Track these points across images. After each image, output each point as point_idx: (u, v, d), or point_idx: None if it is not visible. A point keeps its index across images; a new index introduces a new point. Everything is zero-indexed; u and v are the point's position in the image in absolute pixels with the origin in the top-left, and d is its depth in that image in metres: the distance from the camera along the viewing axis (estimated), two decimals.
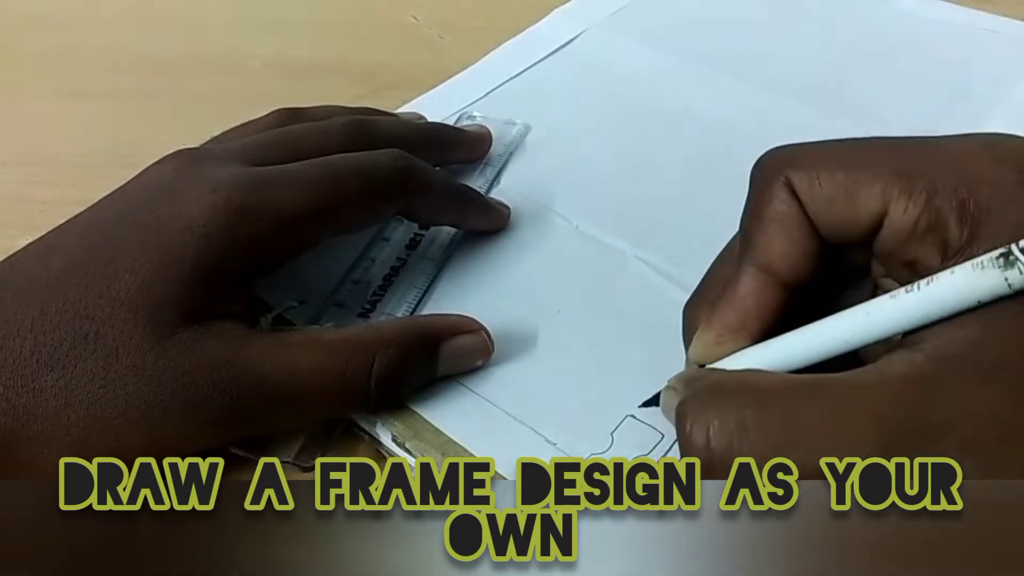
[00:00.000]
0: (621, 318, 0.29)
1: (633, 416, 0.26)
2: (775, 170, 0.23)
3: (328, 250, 0.30)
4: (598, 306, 0.30)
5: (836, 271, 0.23)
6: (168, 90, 0.42)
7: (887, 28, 0.43)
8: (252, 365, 0.24)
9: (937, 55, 0.41)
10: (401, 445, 0.25)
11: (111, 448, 0.22)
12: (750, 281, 0.23)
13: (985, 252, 0.19)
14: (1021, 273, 0.18)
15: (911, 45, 0.42)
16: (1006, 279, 0.18)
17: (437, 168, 0.31)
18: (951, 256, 0.20)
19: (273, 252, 0.26)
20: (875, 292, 0.23)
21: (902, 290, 0.20)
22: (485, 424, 0.26)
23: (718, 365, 0.23)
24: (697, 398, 0.21)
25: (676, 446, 0.25)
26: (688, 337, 0.24)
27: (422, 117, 0.36)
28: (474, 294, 0.30)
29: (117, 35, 0.46)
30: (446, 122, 0.37)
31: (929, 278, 0.19)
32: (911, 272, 0.21)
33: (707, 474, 0.20)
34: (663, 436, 0.25)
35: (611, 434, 0.26)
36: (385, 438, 0.26)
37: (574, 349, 0.28)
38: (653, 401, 0.25)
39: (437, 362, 0.26)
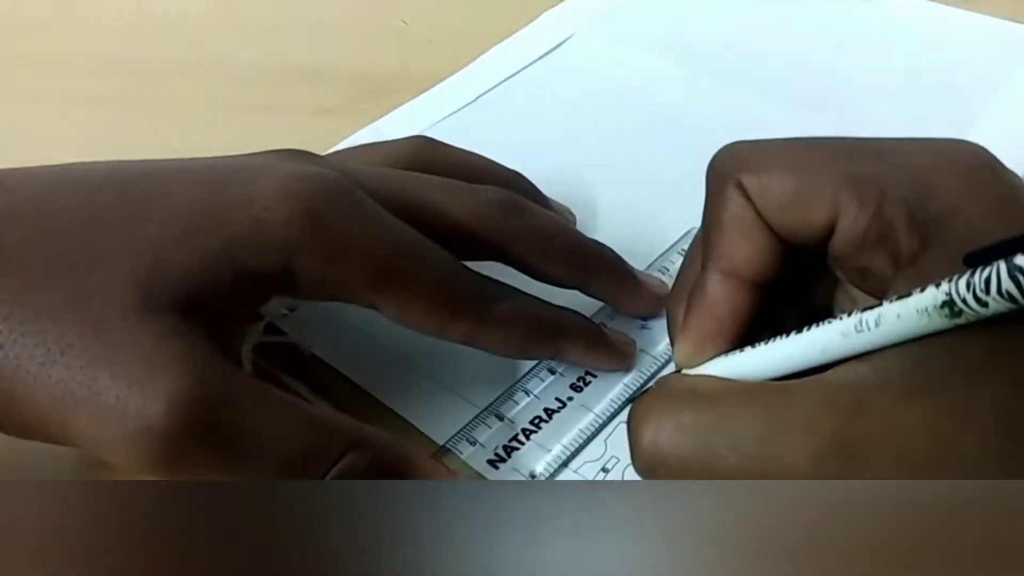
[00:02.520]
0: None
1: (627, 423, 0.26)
2: (728, 173, 0.22)
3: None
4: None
5: (804, 264, 0.23)
6: (156, 95, 0.41)
7: (877, 29, 0.44)
8: (220, 397, 0.20)
9: (927, 56, 0.41)
10: None
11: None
12: (718, 288, 0.22)
13: (936, 266, 0.18)
14: (968, 320, 0.17)
15: (901, 46, 0.42)
16: (953, 323, 0.18)
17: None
18: (903, 265, 0.20)
19: (311, 280, 0.23)
20: (839, 287, 0.23)
21: (852, 328, 0.19)
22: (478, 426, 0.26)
23: (693, 372, 0.23)
24: (647, 402, 0.21)
25: None
26: (671, 335, 0.25)
27: (574, 217, 0.32)
28: None
29: (104, 41, 0.45)
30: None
31: (877, 317, 0.19)
32: (864, 278, 0.21)
33: (650, 473, 0.20)
34: None
35: (605, 441, 0.25)
36: None
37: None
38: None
39: None
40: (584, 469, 0.25)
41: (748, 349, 0.22)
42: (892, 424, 0.18)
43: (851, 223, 0.20)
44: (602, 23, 0.45)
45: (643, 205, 0.34)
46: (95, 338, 0.20)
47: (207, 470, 0.21)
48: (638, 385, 0.27)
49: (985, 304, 0.17)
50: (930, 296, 0.18)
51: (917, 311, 0.18)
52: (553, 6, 0.46)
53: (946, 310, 0.18)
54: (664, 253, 0.31)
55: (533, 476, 0.25)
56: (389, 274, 0.23)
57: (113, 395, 0.20)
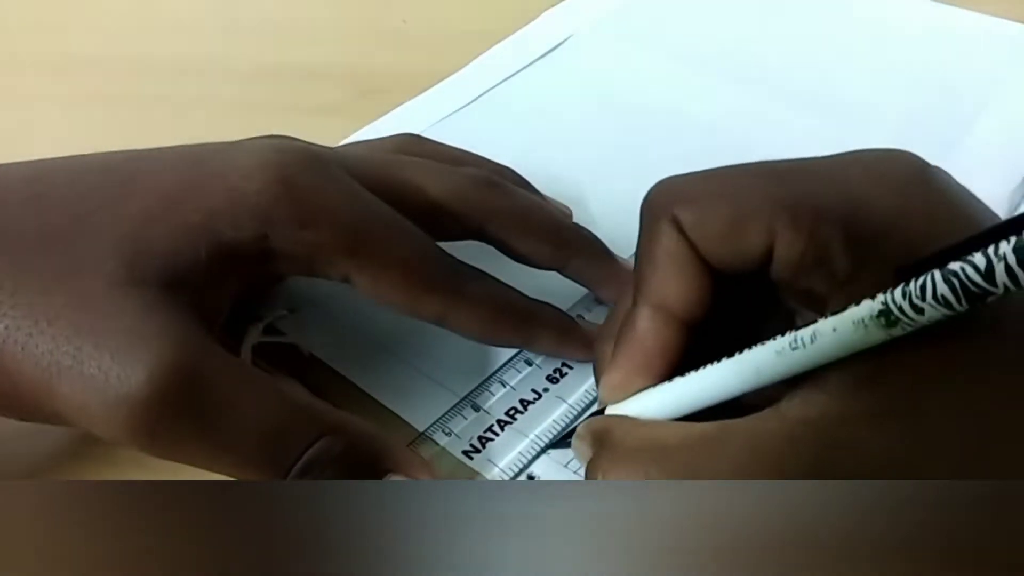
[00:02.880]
0: (595, 314, 0.29)
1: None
2: (662, 207, 0.22)
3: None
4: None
5: (739, 296, 0.22)
6: (156, 95, 0.41)
7: (877, 29, 0.44)
8: (199, 370, 0.21)
9: (927, 56, 0.41)
10: None
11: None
12: (647, 323, 0.22)
13: (871, 284, 0.18)
14: (904, 330, 0.17)
15: (901, 46, 0.42)
16: (890, 335, 0.18)
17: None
18: (840, 286, 0.20)
19: (286, 250, 0.23)
20: (780, 309, 0.23)
21: (787, 346, 0.19)
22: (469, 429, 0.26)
23: (620, 407, 0.22)
24: (605, 455, 0.21)
25: None
26: (597, 373, 0.24)
27: (569, 212, 0.32)
28: None
29: (104, 41, 0.45)
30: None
31: (812, 333, 0.19)
32: (806, 301, 0.21)
33: None
34: None
35: None
36: None
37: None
38: (563, 443, 0.25)
39: None
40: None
41: (678, 379, 0.21)
42: (862, 454, 0.18)
43: (787, 248, 0.20)
44: (602, 23, 0.44)
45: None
46: (81, 309, 0.20)
47: (184, 443, 0.21)
48: None
49: (921, 311, 0.17)
50: (866, 307, 0.18)
51: (853, 323, 0.18)
52: (553, 6, 0.46)
53: (882, 319, 0.17)
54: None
55: (531, 477, 0.25)
56: (362, 242, 0.24)
57: (95, 364, 0.20)
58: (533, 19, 0.45)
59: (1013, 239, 0.15)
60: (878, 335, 0.18)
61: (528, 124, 0.38)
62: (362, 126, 0.38)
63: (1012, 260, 0.15)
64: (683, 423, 0.21)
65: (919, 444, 0.18)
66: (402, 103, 0.39)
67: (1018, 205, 0.32)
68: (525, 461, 0.25)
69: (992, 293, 0.16)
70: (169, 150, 0.25)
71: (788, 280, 0.21)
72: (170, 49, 0.44)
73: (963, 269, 0.16)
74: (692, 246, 0.21)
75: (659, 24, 0.45)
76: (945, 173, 0.21)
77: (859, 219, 0.20)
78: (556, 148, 0.37)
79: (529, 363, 0.27)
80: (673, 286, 0.22)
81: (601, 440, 0.22)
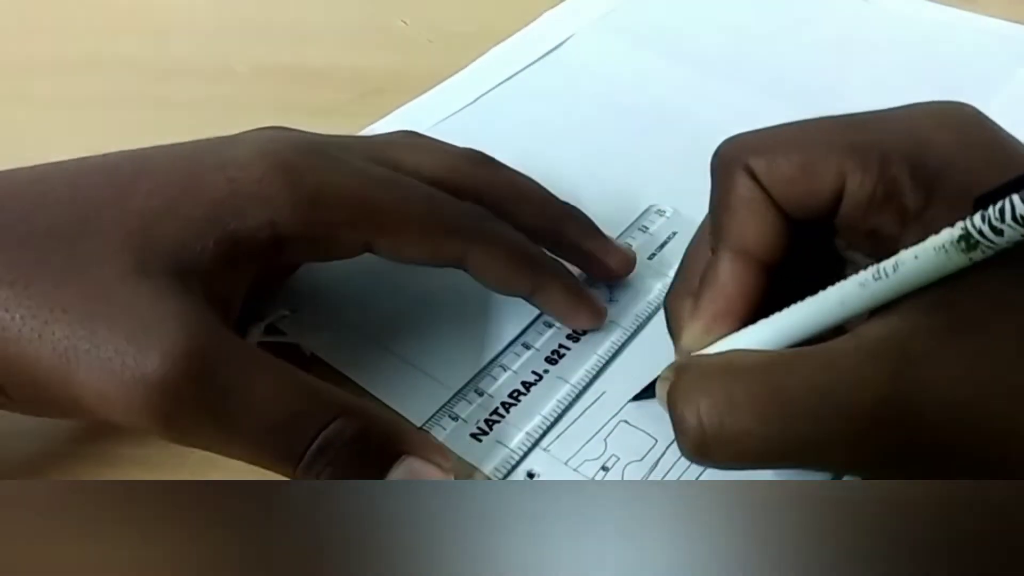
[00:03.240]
0: (613, 324, 0.29)
1: (626, 421, 0.26)
2: (734, 159, 0.23)
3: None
4: None
5: (806, 250, 0.23)
6: (156, 95, 0.41)
7: (875, 29, 0.44)
8: (213, 353, 0.21)
9: (925, 56, 0.41)
10: None
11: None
12: (728, 267, 0.23)
13: (942, 215, 0.19)
14: (984, 254, 0.18)
15: (899, 46, 0.42)
16: (970, 259, 0.19)
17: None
18: (910, 221, 0.21)
19: (298, 233, 0.24)
20: (842, 265, 0.24)
21: (870, 277, 0.20)
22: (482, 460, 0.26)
23: (705, 352, 0.23)
24: (686, 382, 0.21)
25: (669, 450, 0.25)
26: (674, 328, 0.25)
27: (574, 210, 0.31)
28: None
29: (104, 41, 0.45)
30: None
31: (895, 263, 0.20)
32: (872, 241, 0.22)
33: (701, 454, 0.20)
34: (656, 441, 0.25)
35: (605, 440, 0.25)
36: None
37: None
38: (645, 394, 0.25)
39: (388, 471, 0.22)
40: (584, 468, 0.25)
41: (761, 321, 0.22)
42: (935, 367, 0.19)
43: (857, 187, 0.21)
44: (602, 23, 0.45)
45: (642, 205, 0.33)
46: (94, 297, 0.21)
47: (200, 426, 0.21)
48: (610, 355, 0.28)
49: (1001, 232, 0.18)
50: (946, 234, 0.19)
51: (935, 249, 0.19)
52: (553, 6, 0.46)
53: (962, 244, 0.18)
54: (627, 229, 0.32)
55: (531, 476, 0.25)
56: (372, 208, 0.24)
57: (112, 348, 0.20)
58: (533, 19, 0.45)
59: None
60: (958, 260, 0.19)
61: (528, 124, 0.38)
62: (362, 127, 0.38)
63: None
64: (760, 350, 0.22)
65: (987, 360, 0.19)
66: (402, 103, 0.39)
67: None
68: (533, 440, 0.25)
69: None
70: (168, 147, 0.25)
71: (856, 221, 0.22)
72: (169, 49, 0.44)
73: None
74: (766, 192, 0.22)
75: (659, 24, 0.45)
76: (995, 122, 0.23)
77: (925, 156, 0.21)
78: (556, 148, 0.37)
79: (527, 347, 0.28)
80: (752, 230, 0.23)
81: (682, 372, 0.22)
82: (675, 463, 0.25)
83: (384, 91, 0.40)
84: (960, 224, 0.18)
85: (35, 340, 0.21)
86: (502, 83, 0.41)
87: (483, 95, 0.40)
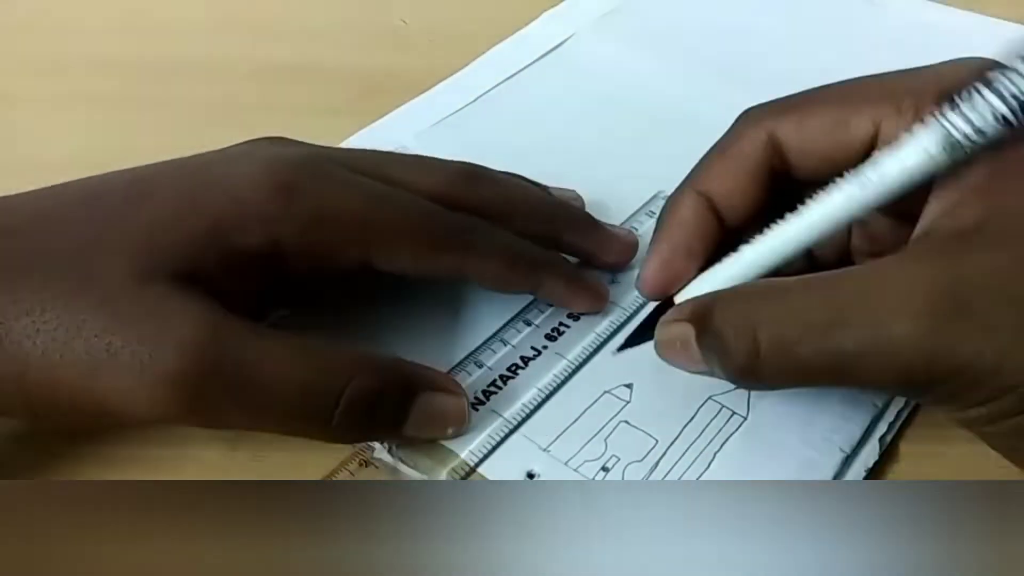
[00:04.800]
0: (613, 304, 0.29)
1: (627, 422, 0.26)
2: (758, 118, 0.24)
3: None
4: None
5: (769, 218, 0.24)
6: (156, 95, 0.41)
7: (877, 31, 0.44)
8: (224, 339, 0.22)
9: (927, 56, 0.41)
10: (393, 453, 0.25)
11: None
12: (690, 202, 0.24)
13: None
14: (967, 154, 0.20)
15: (901, 48, 0.42)
16: (952, 159, 0.20)
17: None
18: None
19: (299, 251, 0.24)
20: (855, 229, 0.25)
21: (855, 186, 0.22)
22: (476, 429, 0.26)
23: (688, 291, 0.24)
24: (731, 306, 0.22)
25: (670, 451, 0.25)
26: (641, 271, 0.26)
27: (579, 198, 0.32)
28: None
29: (104, 41, 0.45)
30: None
31: (874, 166, 0.21)
32: None
33: (751, 374, 0.21)
34: (656, 441, 0.25)
35: (605, 440, 0.25)
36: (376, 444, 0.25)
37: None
38: (635, 340, 0.26)
39: (409, 411, 0.24)
40: (584, 468, 0.25)
41: (744, 247, 0.23)
42: (981, 278, 0.19)
43: (893, 131, 0.22)
44: (602, 23, 0.44)
45: (643, 204, 0.33)
46: (104, 311, 0.22)
47: (227, 410, 0.22)
48: (609, 334, 0.28)
49: (983, 131, 0.20)
50: (931, 142, 0.21)
51: (916, 152, 0.21)
52: (553, 6, 0.46)
53: (944, 145, 0.20)
54: (634, 214, 0.33)
55: (531, 476, 0.25)
56: (372, 227, 0.25)
57: (128, 352, 0.21)
58: (533, 19, 0.45)
59: None
60: (940, 160, 0.21)
61: (528, 124, 0.38)
62: (362, 126, 0.38)
63: None
64: (791, 278, 0.22)
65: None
66: (402, 103, 0.39)
67: None
68: (528, 411, 0.26)
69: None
70: (171, 164, 0.26)
71: None
72: (168, 49, 0.44)
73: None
74: (767, 160, 0.24)
75: (659, 24, 0.45)
76: None
77: (953, 92, 0.21)
78: (556, 148, 0.37)
79: (528, 323, 0.29)
80: (727, 180, 0.24)
81: (702, 309, 0.22)
82: (675, 463, 0.25)
83: (384, 91, 0.40)
84: (938, 126, 0.20)
85: (57, 361, 0.21)
86: (502, 83, 0.40)
87: (483, 95, 0.40)
